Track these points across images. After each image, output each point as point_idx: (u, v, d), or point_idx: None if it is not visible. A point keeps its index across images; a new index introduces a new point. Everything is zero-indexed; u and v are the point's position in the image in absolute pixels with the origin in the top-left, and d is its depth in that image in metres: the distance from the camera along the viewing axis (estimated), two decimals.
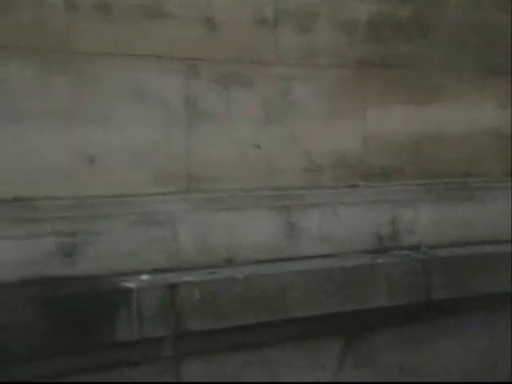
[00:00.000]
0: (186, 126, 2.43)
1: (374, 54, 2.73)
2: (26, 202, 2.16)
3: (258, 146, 2.54)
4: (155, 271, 2.32)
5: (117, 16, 2.29)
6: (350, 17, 2.70)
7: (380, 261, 2.53)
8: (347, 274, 2.43)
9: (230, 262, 2.45)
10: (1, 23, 2.13)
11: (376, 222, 2.69)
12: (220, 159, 2.48)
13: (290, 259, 2.53)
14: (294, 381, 2.45)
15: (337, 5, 2.67)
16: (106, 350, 2.17)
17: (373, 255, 2.60)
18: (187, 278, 2.28)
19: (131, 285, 2.19)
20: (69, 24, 2.22)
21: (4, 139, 2.15)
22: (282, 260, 2.52)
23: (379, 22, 2.74)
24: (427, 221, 2.77)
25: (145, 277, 2.27)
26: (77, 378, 2.15)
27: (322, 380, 2.49)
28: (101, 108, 2.29)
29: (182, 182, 2.43)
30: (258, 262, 2.48)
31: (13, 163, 2.15)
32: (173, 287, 2.23)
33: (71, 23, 2.22)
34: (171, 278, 2.28)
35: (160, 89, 2.38)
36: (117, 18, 2.29)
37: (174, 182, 2.41)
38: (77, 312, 2.11)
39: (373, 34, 2.73)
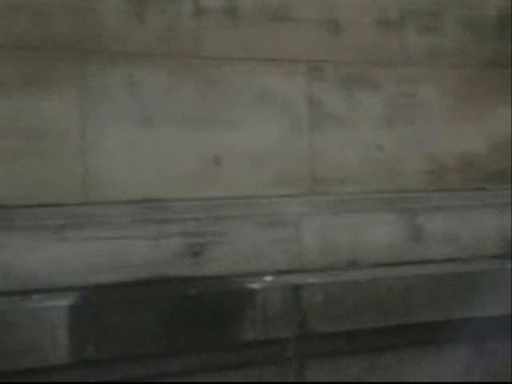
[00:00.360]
0: (309, 128, 2.51)
1: (502, 52, 2.72)
2: (156, 203, 2.29)
3: (382, 148, 2.58)
4: (278, 272, 2.40)
5: (243, 20, 2.39)
6: (476, 14, 2.70)
7: (509, 266, 2.52)
8: (474, 279, 2.43)
9: (352, 265, 2.51)
10: (133, 31, 2.27)
11: (503, 226, 2.68)
12: (343, 161, 2.54)
13: (413, 262, 2.56)
14: None
15: (463, 2, 2.68)
16: (231, 350, 2.26)
17: (501, 260, 2.60)
18: (311, 279, 2.35)
19: (256, 286, 2.28)
20: (198, 29, 2.34)
21: (136, 142, 2.28)
22: (405, 263, 2.55)
23: (508, 17, 2.73)
24: None
25: (269, 278, 2.36)
26: (203, 376, 2.26)
27: None
28: (227, 111, 2.40)
29: (305, 183, 2.50)
30: (381, 264, 2.53)
31: (144, 165, 2.29)
32: (296, 289, 2.30)
33: (200, 29, 2.34)
34: (295, 279, 2.35)
35: (284, 91, 2.47)
36: (243, 23, 2.39)
37: (298, 183, 2.49)
38: (204, 311, 2.22)
39: (501, 32, 2.72)
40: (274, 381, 2.33)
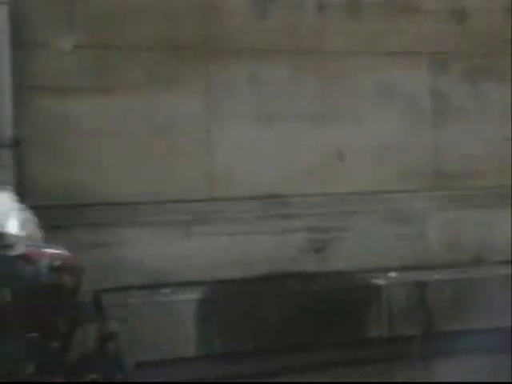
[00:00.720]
0: (432, 122, 2.47)
1: None
2: (279, 198, 2.32)
3: (510, 141, 2.52)
4: (403, 268, 2.38)
5: (365, 14, 2.38)
6: None
7: None
8: None
9: (479, 261, 2.46)
10: (256, 28, 2.29)
11: None
12: (468, 155, 2.49)
13: None
14: None
15: None
16: (356, 346, 2.26)
17: None
18: (436, 276, 2.33)
19: (380, 282, 2.28)
20: (320, 25, 2.34)
21: (259, 138, 2.31)
22: None
23: None
24: None
25: (393, 274, 2.34)
26: (327, 372, 2.27)
27: None
28: (348, 105, 2.40)
29: (429, 178, 2.47)
30: (508, 261, 2.46)
31: (268, 161, 2.31)
32: (422, 285, 2.28)
33: (321, 24, 2.35)
34: (420, 275, 2.34)
35: (406, 85, 2.44)
36: (365, 16, 2.38)
37: (421, 178, 2.47)
38: (328, 307, 2.23)
39: None
40: (399, 380, 2.31)
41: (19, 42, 2.07)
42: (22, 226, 1.88)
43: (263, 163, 2.32)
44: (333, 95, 2.38)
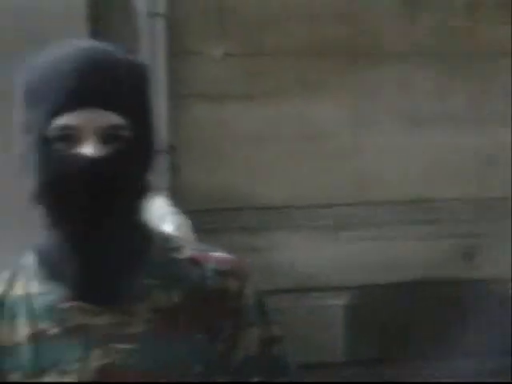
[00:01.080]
0: None
1: None
2: (425, 203, 2.27)
3: None
4: None
5: None
6: None
7: None
8: None
9: None
10: (404, 31, 2.26)
11: None
12: None
13: None
14: None
15: None
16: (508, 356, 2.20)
17: None
18: None
19: None
20: (469, 26, 2.29)
21: (405, 142, 2.28)
22: None
23: None
24: None
25: None
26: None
27: None
28: (499, 107, 2.32)
29: None
30: None
31: (415, 165, 2.28)
32: None
33: (471, 25, 2.29)
34: None
35: None
36: None
37: None
38: (479, 316, 2.17)
39: None
40: None
41: (173, 51, 2.13)
42: (177, 229, 1.93)
43: (411, 167, 2.28)
44: (482, 97, 2.32)
